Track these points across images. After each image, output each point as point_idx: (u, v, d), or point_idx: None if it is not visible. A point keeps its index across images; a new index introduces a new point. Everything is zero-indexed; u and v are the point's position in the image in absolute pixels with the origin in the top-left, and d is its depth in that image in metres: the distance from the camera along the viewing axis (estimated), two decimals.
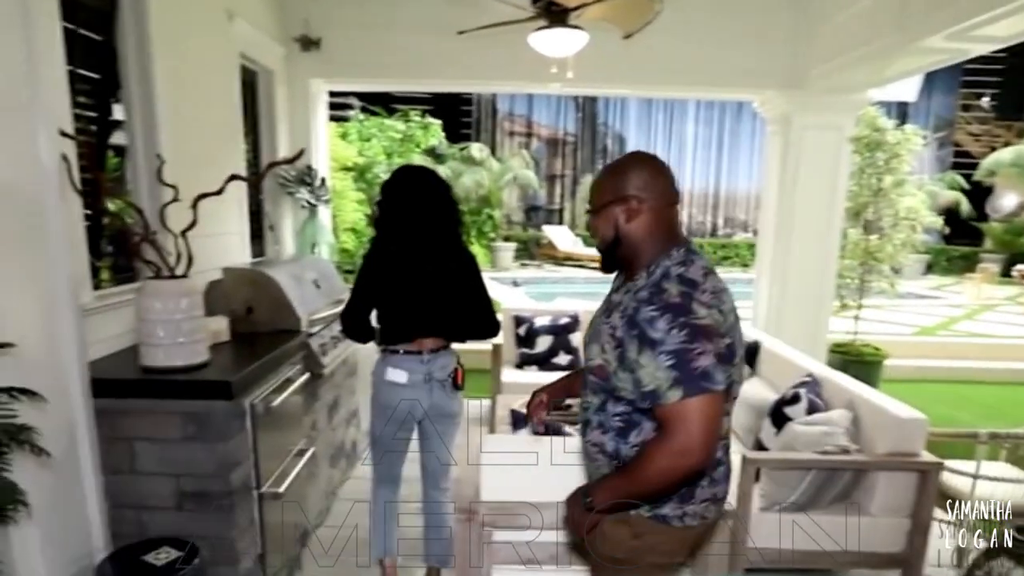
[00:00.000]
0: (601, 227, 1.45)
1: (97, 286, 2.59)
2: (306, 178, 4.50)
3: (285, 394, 2.62)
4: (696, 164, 17.60)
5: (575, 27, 3.14)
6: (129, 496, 2.27)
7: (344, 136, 7.96)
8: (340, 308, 3.44)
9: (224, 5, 3.53)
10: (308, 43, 4.47)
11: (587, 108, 16.89)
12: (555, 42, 3.23)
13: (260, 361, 2.49)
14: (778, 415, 2.93)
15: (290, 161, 2.34)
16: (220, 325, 2.78)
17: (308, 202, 4.47)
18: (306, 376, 2.92)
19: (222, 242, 3.59)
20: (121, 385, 2.23)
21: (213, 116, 3.47)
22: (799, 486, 2.65)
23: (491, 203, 13.71)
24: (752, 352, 3.99)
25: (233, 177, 2.44)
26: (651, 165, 1.43)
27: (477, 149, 13.45)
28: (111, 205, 2.62)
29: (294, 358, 2.90)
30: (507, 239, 15.28)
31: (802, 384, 3.08)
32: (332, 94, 5.07)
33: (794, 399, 2.91)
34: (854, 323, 5.52)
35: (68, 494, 2.08)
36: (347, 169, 7.31)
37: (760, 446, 2.98)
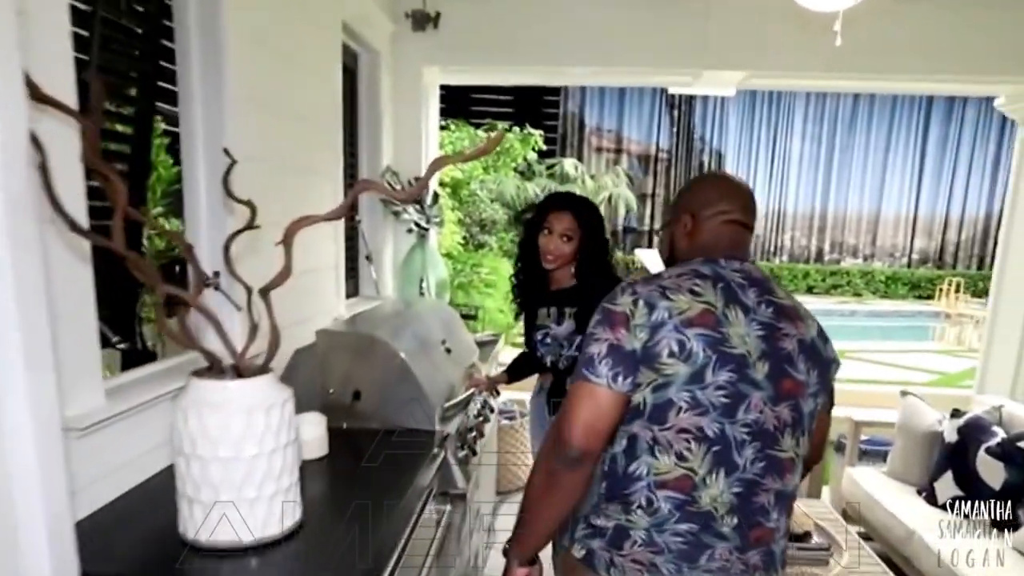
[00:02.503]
0: (663, 243, 1.45)
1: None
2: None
3: (424, 567, 1.52)
4: (801, 183, 15.99)
5: None
6: None
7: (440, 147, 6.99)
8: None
9: None
10: (424, 20, 3.45)
11: (682, 122, 15.58)
12: None
13: (393, 523, 1.39)
14: None
15: (473, 158, 1.28)
16: (314, 432, 1.71)
17: (417, 224, 3.42)
18: (445, 510, 1.83)
19: (311, 282, 2.55)
20: None
21: (308, 105, 2.45)
22: None
23: None
24: None
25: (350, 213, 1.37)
26: (711, 182, 1.52)
27: (571, 165, 12.34)
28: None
29: (423, 477, 1.81)
30: None
31: None
32: None
33: None
34: None
35: None
36: (441, 185, 6.29)
37: None
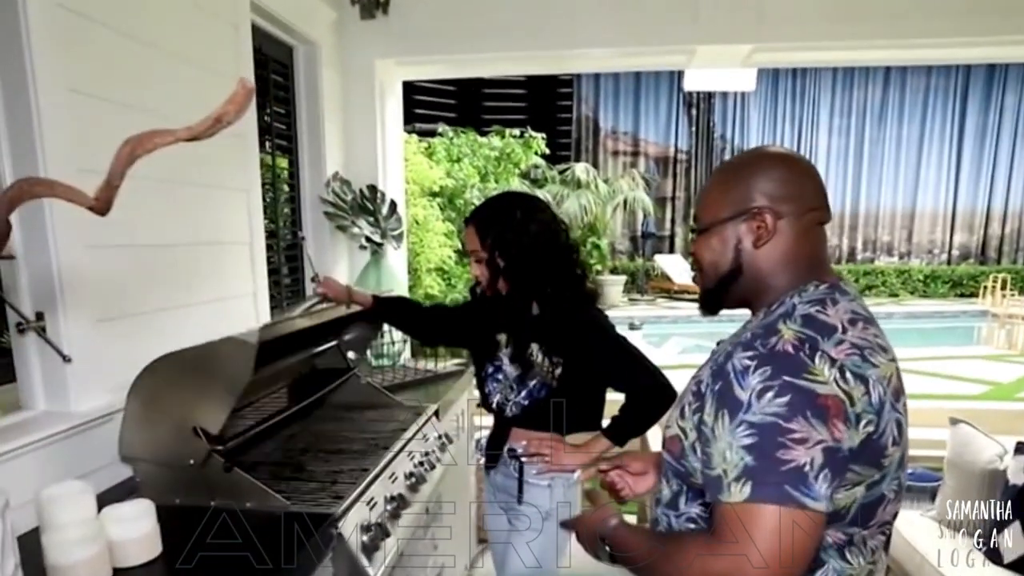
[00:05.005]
0: (712, 251, 1.04)
1: None
2: (367, 204, 3.01)
3: None
4: (829, 179, 15.16)
5: None
6: None
7: (431, 155, 6.57)
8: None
9: None
10: (372, 6, 3.02)
11: (701, 121, 14.98)
12: None
13: None
14: None
15: (202, 132, 0.78)
16: (134, 529, 1.26)
17: (368, 239, 2.97)
18: None
19: (218, 312, 2.12)
20: None
21: (192, 106, 2.01)
22: None
23: (597, 231, 12.03)
24: None
25: None
26: (791, 163, 1.03)
27: (582, 170, 11.84)
28: None
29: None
30: (614, 271, 13.54)
31: None
32: (416, 105, 3.58)
33: None
34: None
35: None
36: (434, 195, 5.88)
37: None
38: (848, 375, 0.86)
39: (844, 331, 0.90)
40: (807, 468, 0.82)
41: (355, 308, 2.02)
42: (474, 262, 1.77)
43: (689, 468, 0.99)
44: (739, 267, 1.01)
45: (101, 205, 0.80)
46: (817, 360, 0.86)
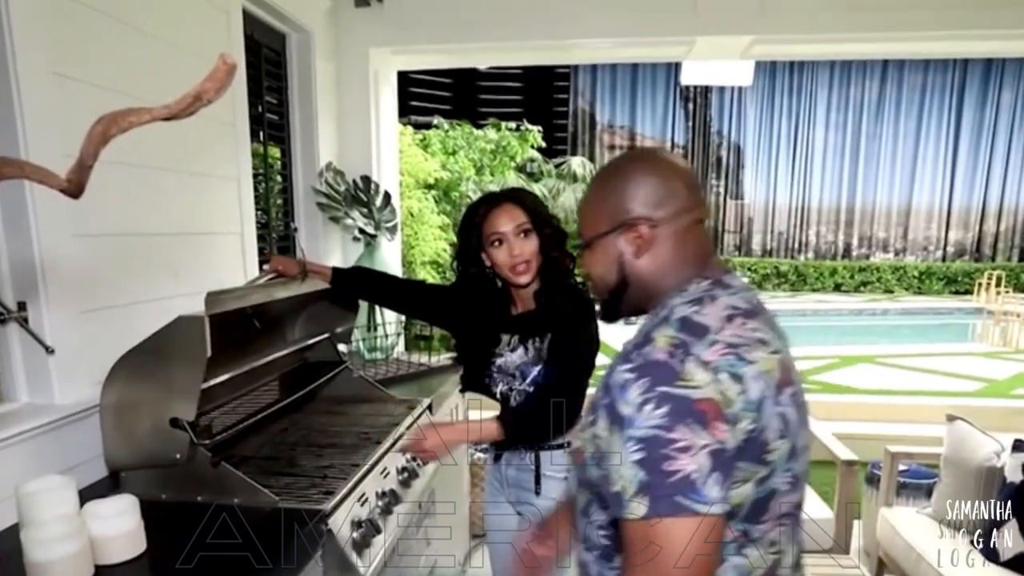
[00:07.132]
0: (598, 265, 1.04)
1: None
2: (361, 195, 2.97)
3: None
4: (826, 175, 15.21)
5: None
6: None
7: (426, 147, 6.52)
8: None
9: None
10: None
11: (698, 116, 14.95)
12: None
13: None
14: None
15: (181, 110, 0.74)
16: (118, 525, 1.23)
17: (362, 230, 2.93)
18: None
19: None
20: None
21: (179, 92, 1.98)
22: None
23: None
24: None
25: None
26: (661, 166, 1.01)
27: (579, 163, 11.80)
28: None
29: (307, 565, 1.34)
30: None
31: None
32: (411, 97, 3.53)
33: None
34: None
35: None
36: (428, 187, 5.83)
37: None
38: (723, 376, 0.86)
39: (719, 331, 0.90)
40: (695, 475, 0.82)
41: (318, 283, 1.96)
42: (521, 237, 1.69)
43: (592, 478, 0.99)
44: (624, 279, 1.02)
45: (73, 187, 0.76)
46: (689, 365, 0.86)
